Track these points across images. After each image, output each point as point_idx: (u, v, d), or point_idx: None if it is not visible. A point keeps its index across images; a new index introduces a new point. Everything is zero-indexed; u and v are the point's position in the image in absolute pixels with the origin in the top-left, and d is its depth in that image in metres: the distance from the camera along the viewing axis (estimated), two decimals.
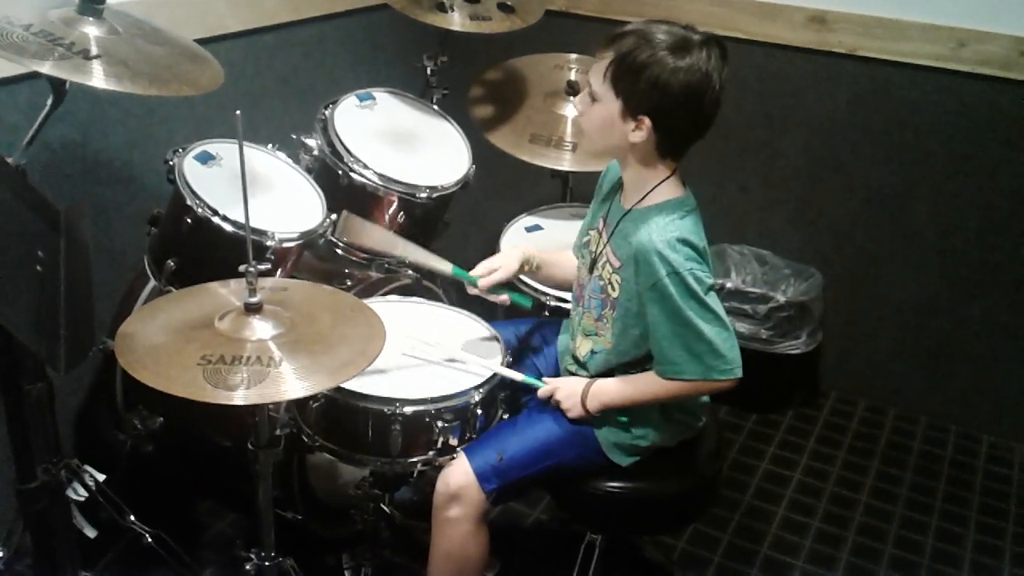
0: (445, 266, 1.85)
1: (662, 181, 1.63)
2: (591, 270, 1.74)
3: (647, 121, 1.54)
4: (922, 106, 2.65)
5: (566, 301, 1.99)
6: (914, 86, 2.64)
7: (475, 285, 1.80)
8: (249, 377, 1.30)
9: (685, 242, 1.56)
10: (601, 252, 1.71)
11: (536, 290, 2.08)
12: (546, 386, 1.75)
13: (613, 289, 1.67)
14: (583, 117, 1.66)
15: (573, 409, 1.71)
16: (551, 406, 1.74)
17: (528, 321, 2.01)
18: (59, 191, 2.04)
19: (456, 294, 2.19)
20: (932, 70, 2.59)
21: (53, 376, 1.59)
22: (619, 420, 1.70)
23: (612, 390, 1.69)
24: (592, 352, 1.75)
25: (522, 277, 1.99)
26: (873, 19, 2.62)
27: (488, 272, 1.80)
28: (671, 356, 1.59)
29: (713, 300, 1.57)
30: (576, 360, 1.80)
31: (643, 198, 1.64)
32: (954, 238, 2.73)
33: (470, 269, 1.82)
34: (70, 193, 2.10)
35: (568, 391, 1.72)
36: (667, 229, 1.57)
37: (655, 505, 1.80)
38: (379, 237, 1.94)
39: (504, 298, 1.82)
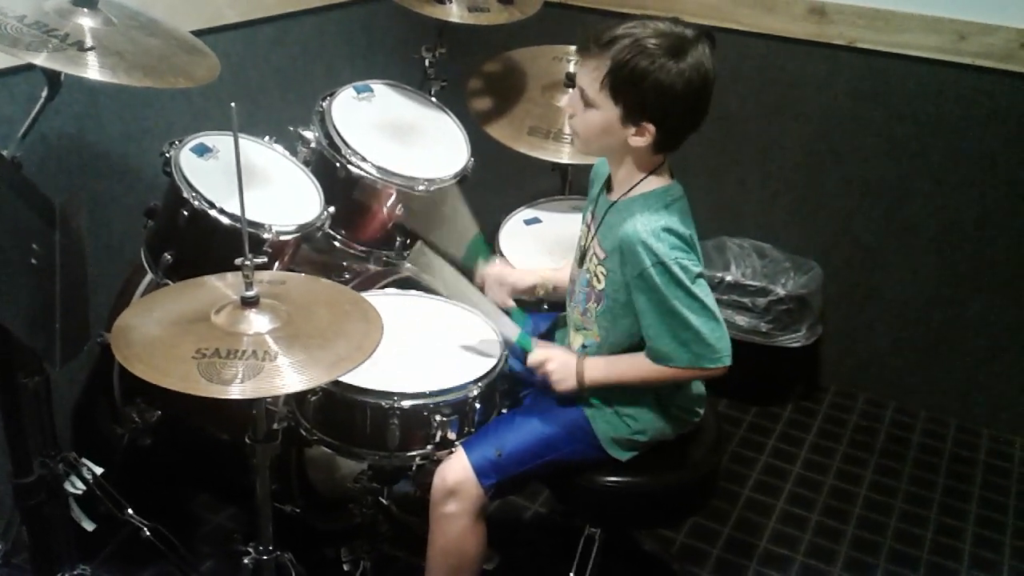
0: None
1: (650, 173, 1.63)
2: (581, 263, 1.74)
3: (651, 127, 1.54)
4: (922, 99, 2.64)
5: None
6: (914, 78, 2.63)
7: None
8: (244, 371, 1.29)
9: (670, 231, 1.56)
10: (589, 245, 1.71)
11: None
12: (539, 351, 1.73)
13: (598, 281, 1.66)
14: (575, 120, 1.63)
15: (564, 381, 1.69)
16: (540, 374, 1.72)
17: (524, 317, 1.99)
18: (55, 183, 2.03)
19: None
20: (932, 62, 2.58)
21: (50, 369, 1.58)
22: (616, 414, 1.70)
23: (603, 367, 1.69)
24: (583, 347, 1.74)
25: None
26: (873, 11, 2.61)
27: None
28: (659, 344, 1.59)
29: (701, 288, 1.56)
30: None
31: (630, 190, 1.64)
32: (953, 231, 2.72)
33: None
34: (66, 185, 2.09)
35: (561, 362, 1.71)
36: (652, 219, 1.57)
37: (654, 499, 1.80)
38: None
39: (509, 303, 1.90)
